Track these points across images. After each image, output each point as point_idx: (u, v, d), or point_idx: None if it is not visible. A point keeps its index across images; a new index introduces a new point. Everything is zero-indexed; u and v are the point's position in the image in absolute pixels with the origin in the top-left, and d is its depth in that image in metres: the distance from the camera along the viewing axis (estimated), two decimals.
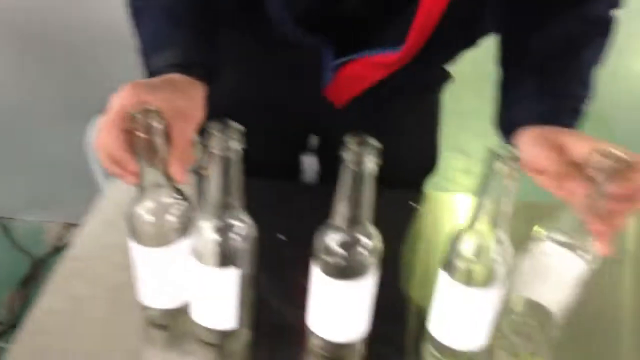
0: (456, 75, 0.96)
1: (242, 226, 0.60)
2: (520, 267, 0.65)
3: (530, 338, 0.67)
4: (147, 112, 0.55)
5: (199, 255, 0.61)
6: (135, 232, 0.62)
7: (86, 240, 0.78)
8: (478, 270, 0.61)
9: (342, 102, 0.88)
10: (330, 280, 0.61)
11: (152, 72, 0.68)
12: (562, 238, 0.61)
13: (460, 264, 0.61)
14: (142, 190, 0.60)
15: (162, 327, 0.68)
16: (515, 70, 0.75)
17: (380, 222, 0.60)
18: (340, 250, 0.59)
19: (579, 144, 0.61)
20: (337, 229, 0.59)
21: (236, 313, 0.64)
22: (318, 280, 0.62)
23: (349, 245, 0.59)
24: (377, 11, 0.78)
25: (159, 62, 0.67)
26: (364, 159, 0.54)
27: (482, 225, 0.59)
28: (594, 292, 0.69)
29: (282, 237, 0.69)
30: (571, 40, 0.73)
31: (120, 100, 0.59)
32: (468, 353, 0.66)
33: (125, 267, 0.65)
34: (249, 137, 0.56)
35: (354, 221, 0.58)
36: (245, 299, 0.65)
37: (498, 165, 0.55)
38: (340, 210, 0.58)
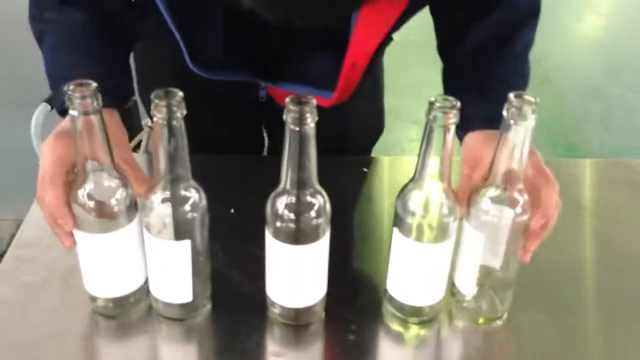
0: (408, 45, 0.97)
1: (192, 196, 0.60)
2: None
3: (488, 301, 0.68)
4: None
5: (151, 229, 0.61)
6: (77, 218, 0.60)
7: (35, 226, 0.77)
8: (427, 224, 0.62)
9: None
10: (283, 246, 0.61)
11: (62, 103, 0.64)
12: (495, 192, 0.62)
13: (409, 220, 0.62)
14: (82, 177, 0.59)
15: (111, 317, 0.66)
16: (454, 67, 0.79)
17: (333, 187, 0.60)
18: (289, 214, 0.59)
19: (547, 193, 0.63)
20: (285, 193, 0.59)
21: (192, 286, 0.64)
22: (271, 246, 0.62)
23: (298, 208, 0.59)
24: (303, 48, 0.81)
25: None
26: (304, 117, 0.54)
27: (428, 178, 0.60)
28: (554, 247, 0.72)
29: (232, 211, 0.69)
30: (502, 29, 0.76)
31: (52, 154, 0.61)
32: (428, 311, 0.67)
33: (76, 252, 0.63)
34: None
35: (301, 184, 0.58)
36: (201, 271, 0.64)
37: (438, 115, 0.55)
38: (287, 173, 0.58)
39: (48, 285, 0.70)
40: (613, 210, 0.87)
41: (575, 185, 0.91)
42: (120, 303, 0.66)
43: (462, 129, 0.72)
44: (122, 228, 0.61)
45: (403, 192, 0.62)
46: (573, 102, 2.59)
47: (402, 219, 0.62)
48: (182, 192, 0.60)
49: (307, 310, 0.66)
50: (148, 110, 0.99)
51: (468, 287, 0.67)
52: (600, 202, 0.88)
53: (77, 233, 0.61)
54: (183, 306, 0.65)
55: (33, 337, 0.64)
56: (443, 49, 0.82)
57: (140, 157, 0.99)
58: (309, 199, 0.59)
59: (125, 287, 0.65)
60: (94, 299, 0.66)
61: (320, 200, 0.60)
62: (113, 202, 0.60)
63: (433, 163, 0.58)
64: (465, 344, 0.68)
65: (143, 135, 1.38)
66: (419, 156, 0.59)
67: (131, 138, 1.41)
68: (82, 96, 0.54)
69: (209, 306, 0.68)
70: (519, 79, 0.76)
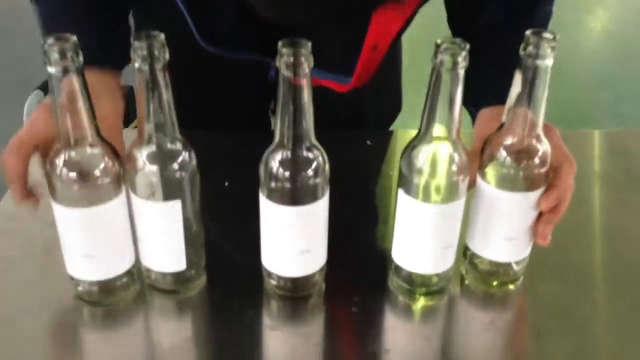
0: (413, 42, 0.93)
1: (179, 151, 0.55)
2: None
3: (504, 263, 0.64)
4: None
5: (138, 191, 0.56)
6: (56, 190, 0.54)
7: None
8: (435, 183, 0.57)
9: None
10: (278, 208, 0.56)
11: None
12: (512, 141, 0.58)
13: (415, 179, 0.57)
14: (62, 144, 0.53)
15: (94, 304, 0.61)
16: (468, 41, 0.75)
17: (335, 159, 0.56)
18: (284, 172, 0.54)
19: (566, 173, 0.60)
20: (279, 149, 0.54)
21: (185, 252, 0.59)
22: (266, 209, 0.57)
23: (293, 165, 0.54)
24: (318, 26, 0.75)
25: None
26: (299, 62, 0.49)
27: (435, 132, 0.55)
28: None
29: (226, 184, 0.65)
30: (521, 2, 0.72)
31: (32, 123, 0.59)
32: (437, 281, 0.62)
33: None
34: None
35: (297, 139, 0.53)
36: (194, 237, 0.59)
37: (445, 58, 0.50)
38: (281, 127, 0.53)
39: (28, 259, 0.65)
40: (624, 178, 0.82)
41: (585, 154, 0.87)
42: (105, 287, 0.60)
43: (476, 106, 0.68)
44: (107, 202, 0.55)
45: (407, 148, 0.57)
46: (583, 93, 2.55)
47: (408, 179, 0.57)
48: (169, 147, 0.55)
49: (306, 281, 0.61)
50: None
51: (486, 248, 0.62)
52: (611, 170, 0.84)
53: (56, 207, 0.55)
54: (177, 276, 0.61)
55: (10, 311, 0.60)
56: (455, 23, 0.78)
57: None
58: (305, 154, 0.54)
59: (111, 269, 0.59)
60: (76, 283, 0.60)
61: (318, 156, 0.55)
62: (97, 173, 0.54)
63: (440, 114, 0.53)
64: (478, 316, 0.63)
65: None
66: (424, 107, 0.54)
67: (127, 125, 1.37)
68: (61, 50, 0.49)
69: (203, 278, 0.63)
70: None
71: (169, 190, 0.56)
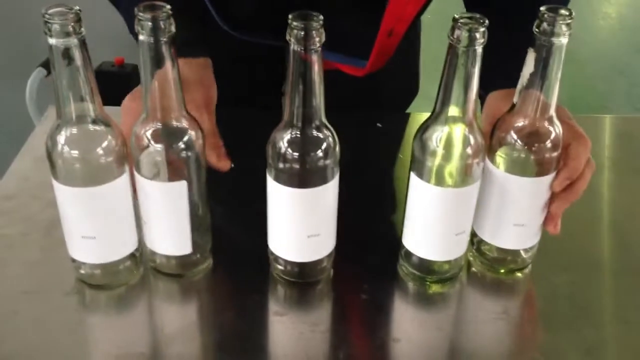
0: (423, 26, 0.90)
1: (185, 129, 0.53)
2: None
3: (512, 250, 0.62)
4: None
5: (142, 170, 0.54)
6: (58, 169, 0.52)
7: (15, 178, 0.71)
8: (449, 166, 0.54)
9: None
10: (285, 190, 0.54)
11: None
12: (523, 123, 0.55)
13: (428, 162, 0.54)
14: (63, 121, 0.51)
15: (99, 287, 0.59)
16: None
17: (344, 141, 0.54)
18: (292, 152, 0.52)
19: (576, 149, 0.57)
20: (288, 128, 0.52)
21: (191, 235, 0.57)
22: (273, 191, 0.55)
23: (302, 145, 0.52)
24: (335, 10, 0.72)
25: None
26: (310, 35, 0.47)
27: (449, 112, 0.52)
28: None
29: (232, 166, 0.62)
30: None
31: (128, 114, 0.58)
32: (449, 268, 0.60)
33: (57, 204, 0.56)
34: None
35: (306, 118, 0.51)
36: (199, 220, 0.57)
37: (462, 34, 0.48)
38: (290, 105, 0.51)
39: (28, 238, 0.63)
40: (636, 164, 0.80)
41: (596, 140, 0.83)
42: (108, 271, 0.58)
43: (486, 88, 0.65)
44: (110, 182, 0.53)
45: (421, 129, 0.55)
46: (598, 80, 2.51)
47: (420, 161, 0.55)
48: (174, 125, 0.53)
49: (314, 266, 0.59)
50: None
51: (494, 234, 0.60)
52: (622, 155, 0.82)
53: (57, 186, 0.53)
54: (182, 259, 0.59)
55: (9, 292, 0.58)
56: (469, 3, 0.75)
57: None
58: (315, 134, 0.52)
59: (114, 252, 0.57)
60: (78, 265, 0.58)
61: (328, 137, 0.53)
62: (99, 151, 0.52)
63: (456, 93, 0.51)
64: (488, 305, 0.60)
65: None
66: (439, 86, 0.52)
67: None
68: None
69: (209, 261, 0.61)
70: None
71: (174, 170, 0.54)
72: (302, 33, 0.47)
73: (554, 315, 0.59)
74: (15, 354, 0.53)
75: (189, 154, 0.54)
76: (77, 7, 0.47)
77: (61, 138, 0.51)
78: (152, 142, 0.52)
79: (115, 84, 1.53)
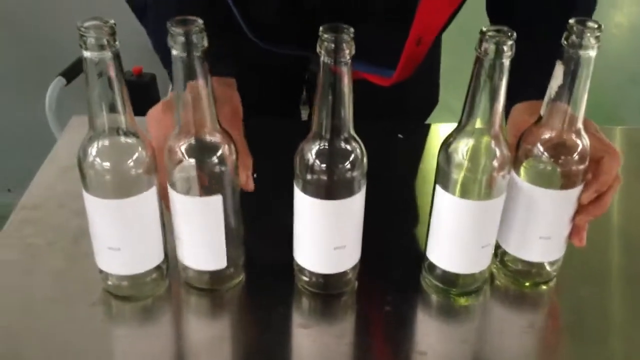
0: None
1: (218, 143, 0.53)
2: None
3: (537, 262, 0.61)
4: None
5: (176, 186, 0.54)
6: (89, 180, 0.53)
7: (41, 188, 0.72)
8: (475, 179, 0.54)
9: None
10: (312, 201, 0.54)
11: None
12: (550, 136, 0.55)
13: (454, 174, 0.55)
14: (95, 133, 0.52)
15: (125, 298, 0.59)
16: None
17: (367, 153, 0.54)
18: (320, 164, 0.52)
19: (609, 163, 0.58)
20: (316, 140, 0.52)
21: (225, 249, 0.57)
22: (300, 203, 0.55)
23: (330, 156, 0.52)
24: (361, 19, 0.72)
25: None
26: (341, 48, 0.47)
27: (476, 125, 0.52)
28: None
29: (254, 176, 0.63)
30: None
31: (158, 127, 0.58)
32: (472, 281, 0.60)
33: (84, 213, 0.57)
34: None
35: (335, 129, 0.51)
36: (234, 233, 0.57)
37: (490, 47, 0.48)
38: (319, 117, 0.51)
39: (54, 247, 0.64)
40: None
41: None
42: (135, 282, 0.58)
43: (512, 100, 0.65)
44: (140, 194, 0.53)
45: (447, 142, 0.55)
46: (611, 89, 2.50)
47: (446, 173, 0.55)
48: (209, 140, 0.53)
49: (339, 278, 0.59)
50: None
51: (519, 247, 0.60)
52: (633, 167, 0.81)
53: (87, 197, 0.54)
54: (215, 274, 0.59)
55: (36, 301, 0.59)
56: (494, 13, 0.75)
57: None
58: (343, 146, 0.52)
59: (141, 264, 0.57)
60: (105, 276, 0.58)
61: (356, 149, 0.53)
62: (130, 163, 0.53)
63: (483, 106, 0.51)
64: (513, 318, 0.60)
65: None
66: (466, 98, 0.52)
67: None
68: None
69: (242, 276, 0.61)
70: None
71: (209, 184, 0.54)
72: (333, 45, 0.47)
73: (581, 328, 0.59)
74: None
75: (223, 168, 0.54)
76: (112, 21, 0.48)
77: (93, 150, 0.52)
78: (185, 156, 0.53)
79: (133, 93, 1.54)
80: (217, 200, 0.54)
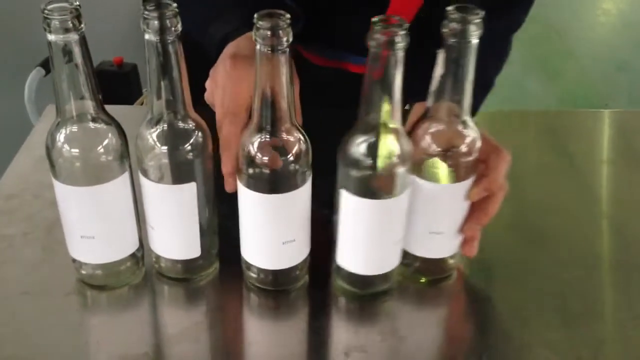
0: None
1: (192, 130, 0.52)
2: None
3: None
4: None
5: (149, 174, 0.53)
6: (58, 168, 0.52)
7: (15, 177, 0.72)
8: (376, 176, 0.52)
9: None
10: (256, 196, 0.52)
11: (220, 40, 0.62)
12: (436, 129, 0.53)
13: (353, 172, 0.52)
14: (63, 119, 0.51)
15: (100, 287, 0.59)
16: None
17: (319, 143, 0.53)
18: (260, 155, 0.51)
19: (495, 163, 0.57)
20: (257, 132, 0.51)
21: (199, 237, 0.57)
22: (244, 198, 0.54)
23: (271, 148, 0.51)
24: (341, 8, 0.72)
25: (226, 28, 0.62)
26: (278, 33, 0.46)
27: (373, 120, 0.50)
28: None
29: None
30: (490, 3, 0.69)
31: (236, 84, 0.56)
32: (380, 283, 0.58)
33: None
34: None
35: (275, 120, 0.50)
36: (207, 223, 0.57)
37: (377, 36, 0.46)
38: (259, 107, 0.50)
39: (29, 238, 0.64)
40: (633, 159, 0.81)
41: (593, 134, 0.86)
42: (109, 271, 0.58)
43: (412, 98, 0.64)
44: (111, 181, 0.53)
45: (344, 138, 0.52)
46: (598, 77, 2.50)
47: (345, 172, 0.53)
48: (181, 127, 0.52)
49: (288, 273, 0.58)
50: None
51: (409, 242, 0.58)
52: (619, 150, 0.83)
53: (57, 185, 0.53)
54: (189, 263, 0.58)
55: (10, 292, 0.59)
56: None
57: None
58: (285, 137, 0.51)
59: (114, 252, 0.57)
60: (78, 265, 0.58)
61: (299, 140, 0.52)
62: (100, 150, 0.52)
63: (378, 101, 0.49)
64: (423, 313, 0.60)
65: (143, 101, 1.32)
66: (361, 95, 0.50)
67: (131, 103, 1.35)
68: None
69: (216, 265, 0.61)
70: (491, 60, 0.69)
71: (181, 172, 0.53)
72: (270, 33, 0.46)
73: (561, 312, 0.59)
74: (16, 356, 0.53)
75: (195, 153, 0.53)
76: (77, 3, 0.46)
77: (61, 136, 0.51)
78: (157, 143, 0.52)
79: (114, 83, 1.53)
80: (191, 188, 0.53)
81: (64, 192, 0.53)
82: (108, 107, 0.53)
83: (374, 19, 0.47)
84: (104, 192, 0.53)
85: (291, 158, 0.51)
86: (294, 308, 0.59)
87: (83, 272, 0.58)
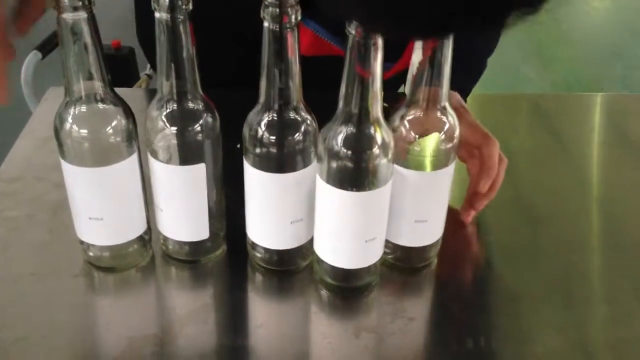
0: None
1: (201, 110, 0.52)
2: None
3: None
4: None
5: (158, 155, 0.53)
6: (66, 148, 0.52)
7: (17, 160, 0.71)
8: (355, 168, 0.51)
9: None
10: (263, 175, 0.52)
11: None
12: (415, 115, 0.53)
13: (333, 163, 0.51)
14: (72, 99, 0.50)
15: (108, 269, 0.59)
16: None
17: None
18: (268, 135, 0.51)
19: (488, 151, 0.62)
20: (263, 111, 0.51)
21: (208, 219, 0.56)
22: (251, 177, 0.53)
23: (277, 126, 0.51)
24: None
25: None
26: (285, 12, 0.46)
27: (354, 109, 0.49)
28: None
29: (238, 146, 0.61)
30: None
31: None
32: (363, 276, 0.57)
33: (62, 185, 0.55)
34: None
35: (282, 99, 0.50)
36: (215, 204, 0.57)
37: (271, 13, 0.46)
38: (265, 87, 0.50)
39: (33, 220, 0.63)
40: (624, 141, 0.82)
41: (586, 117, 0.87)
42: (117, 253, 0.58)
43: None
44: (119, 162, 0.52)
45: (326, 129, 0.51)
46: (594, 63, 2.51)
47: (326, 163, 0.51)
48: (190, 107, 0.52)
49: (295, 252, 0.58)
50: (149, 57, 0.90)
51: (390, 232, 0.57)
52: (612, 133, 0.84)
53: (65, 166, 0.53)
54: (196, 246, 0.58)
55: (16, 274, 0.59)
56: None
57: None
58: (293, 116, 0.51)
59: (122, 234, 0.57)
60: (86, 247, 0.58)
61: (307, 119, 0.52)
62: (109, 131, 0.51)
63: (357, 90, 0.48)
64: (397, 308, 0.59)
65: (141, 85, 1.31)
66: (340, 84, 0.49)
67: (130, 85, 1.33)
68: None
69: (223, 248, 0.61)
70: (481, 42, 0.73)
71: (190, 153, 0.53)
72: (278, 11, 0.46)
73: (565, 294, 0.59)
74: (24, 337, 0.53)
75: (204, 134, 0.53)
76: None
77: (69, 117, 0.50)
78: (167, 124, 0.51)
79: (112, 67, 1.51)
80: (200, 169, 0.53)
81: (72, 173, 0.52)
82: None
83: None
84: (113, 174, 0.53)
85: (299, 137, 0.51)
86: (300, 289, 0.59)
87: (90, 254, 0.58)
